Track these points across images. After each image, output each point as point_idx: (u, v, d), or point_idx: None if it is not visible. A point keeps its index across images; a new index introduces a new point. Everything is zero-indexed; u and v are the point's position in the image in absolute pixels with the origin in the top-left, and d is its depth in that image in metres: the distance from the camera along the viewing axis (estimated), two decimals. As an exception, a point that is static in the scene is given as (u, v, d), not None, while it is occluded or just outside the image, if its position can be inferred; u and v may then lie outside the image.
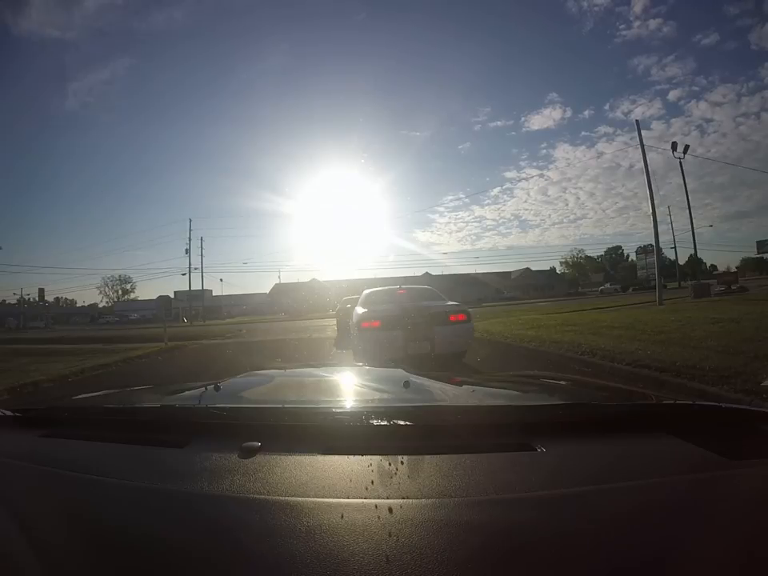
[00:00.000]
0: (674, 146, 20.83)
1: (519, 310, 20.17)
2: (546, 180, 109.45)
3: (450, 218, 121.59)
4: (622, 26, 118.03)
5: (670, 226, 40.49)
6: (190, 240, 43.05)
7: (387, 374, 1.71)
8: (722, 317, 7.64)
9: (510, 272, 70.90)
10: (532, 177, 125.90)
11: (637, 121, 20.75)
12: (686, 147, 21.26)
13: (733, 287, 22.33)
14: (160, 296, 13.31)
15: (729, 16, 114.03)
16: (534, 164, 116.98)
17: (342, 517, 0.55)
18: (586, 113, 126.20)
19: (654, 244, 19.54)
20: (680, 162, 21.16)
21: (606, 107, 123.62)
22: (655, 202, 18.13)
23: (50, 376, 6.59)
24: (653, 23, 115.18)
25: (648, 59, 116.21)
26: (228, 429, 0.86)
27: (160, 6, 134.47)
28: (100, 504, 0.65)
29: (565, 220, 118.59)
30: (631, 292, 46.90)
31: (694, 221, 23.97)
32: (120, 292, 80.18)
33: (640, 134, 18.73)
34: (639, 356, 4.85)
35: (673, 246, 42.56)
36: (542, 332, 8.36)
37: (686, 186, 22.53)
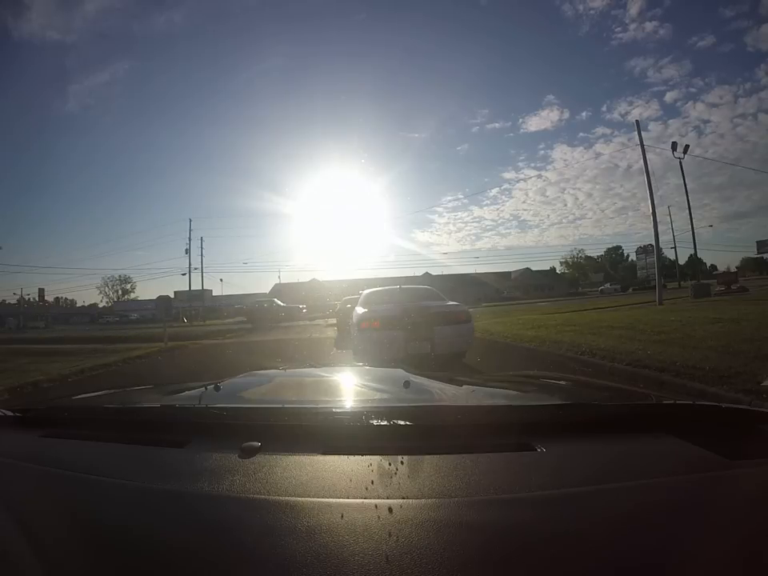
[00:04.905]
0: (674, 146, 20.86)
1: (519, 310, 20.14)
2: (544, 181, 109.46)
3: (449, 218, 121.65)
4: (618, 29, 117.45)
5: (669, 226, 40.53)
6: (189, 240, 43.02)
7: (387, 374, 1.71)
8: (722, 317, 7.64)
9: (509, 272, 70.90)
10: (530, 177, 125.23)
11: (637, 121, 20.75)
12: (686, 147, 21.32)
13: (733, 287, 22.23)
14: (160, 296, 13.30)
15: (724, 18, 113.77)
16: (533, 165, 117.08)
17: (342, 517, 0.55)
18: (584, 114, 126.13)
19: (654, 244, 19.53)
20: (680, 162, 21.22)
21: (604, 108, 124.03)
22: (654, 202, 18.17)
23: (50, 376, 6.58)
24: (649, 26, 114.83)
25: (645, 61, 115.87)
26: (228, 429, 0.86)
27: (160, 8, 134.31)
28: (100, 504, 0.65)
29: (564, 220, 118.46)
30: (631, 292, 46.90)
31: (693, 221, 24.03)
32: (120, 292, 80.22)
33: (640, 135, 18.77)
34: (639, 356, 4.85)
35: (673, 246, 42.63)
36: (541, 332, 8.35)
37: (685, 185, 22.61)
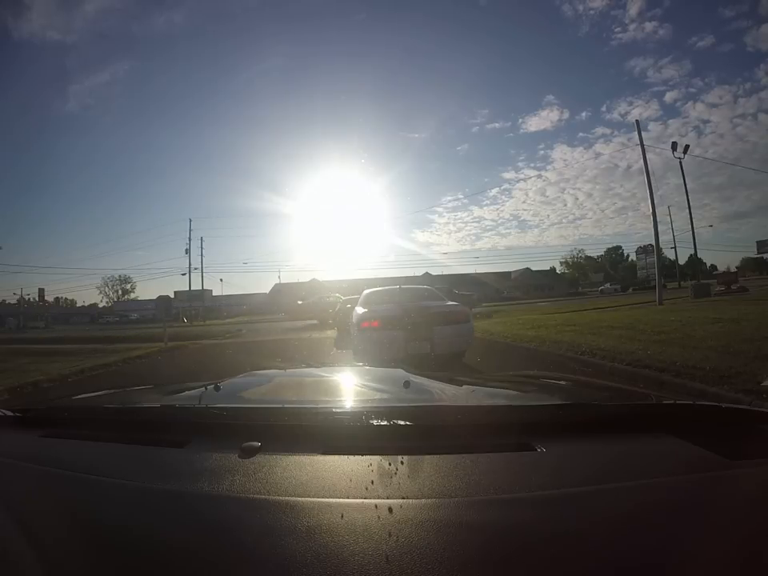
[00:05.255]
0: (674, 145, 20.84)
1: (519, 310, 20.14)
2: (544, 181, 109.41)
3: (448, 218, 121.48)
4: (618, 29, 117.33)
5: (669, 226, 40.46)
6: (189, 240, 43.07)
7: (387, 374, 1.71)
8: (722, 317, 7.63)
9: (509, 272, 70.87)
10: (530, 178, 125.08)
11: (637, 121, 20.69)
12: (686, 147, 21.26)
13: (733, 287, 22.16)
14: (159, 296, 13.30)
15: (724, 18, 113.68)
16: (532, 165, 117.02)
17: (342, 517, 0.55)
18: (583, 114, 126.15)
19: (655, 244, 19.51)
20: (680, 162, 21.18)
21: (603, 109, 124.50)
22: (654, 202, 18.16)
23: (50, 376, 6.56)
24: (648, 26, 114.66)
25: (644, 61, 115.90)
26: (228, 429, 0.86)
27: (160, 8, 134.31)
28: (100, 504, 0.65)
29: (564, 220, 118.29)
30: (631, 292, 46.88)
31: (693, 221, 23.96)
32: (120, 292, 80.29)
33: (640, 134, 18.75)
34: (639, 356, 4.84)
35: (673, 246, 42.60)
36: (542, 332, 8.34)
37: (686, 185, 22.54)
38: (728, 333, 5.84)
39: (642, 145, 18.45)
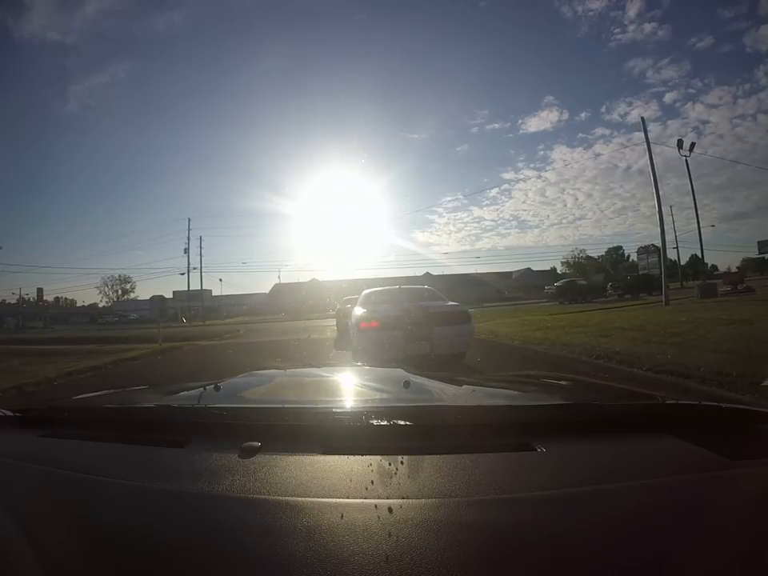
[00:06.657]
0: (680, 143, 20.55)
1: (522, 311, 20.02)
2: (543, 181, 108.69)
3: (448, 218, 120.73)
4: (617, 30, 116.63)
5: (672, 225, 40.34)
6: (188, 240, 43.11)
7: (387, 374, 1.71)
8: (734, 318, 7.46)
9: (510, 272, 70.89)
10: (530, 178, 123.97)
11: (642, 118, 20.14)
12: (692, 144, 20.89)
13: (739, 287, 21.90)
14: (154, 295, 13.27)
15: (723, 19, 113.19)
16: (532, 165, 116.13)
17: (342, 517, 0.55)
18: (583, 115, 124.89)
19: (661, 243, 19.35)
20: (686, 160, 20.78)
21: (603, 109, 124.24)
22: (660, 199, 18.06)
23: (37, 378, 6.33)
24: (647, 27, 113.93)
25: (643, 62, 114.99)
26: (228, 429, 0.86)
27: (160, 9, 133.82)
28: (100, 504, 0.65)
29: (563, 221, 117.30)
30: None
31: (699, 219, 23.59)
32: (120, 292, 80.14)
33: (645, 132, 18.54)
34: (659, 360, 4.55)
35: (675, 246, 42.49)
36: (550, 333, 8.03)
37: (691, 183, 21.81)
38: (744, 335, 5.64)
39: (648, 142, 18.24)
